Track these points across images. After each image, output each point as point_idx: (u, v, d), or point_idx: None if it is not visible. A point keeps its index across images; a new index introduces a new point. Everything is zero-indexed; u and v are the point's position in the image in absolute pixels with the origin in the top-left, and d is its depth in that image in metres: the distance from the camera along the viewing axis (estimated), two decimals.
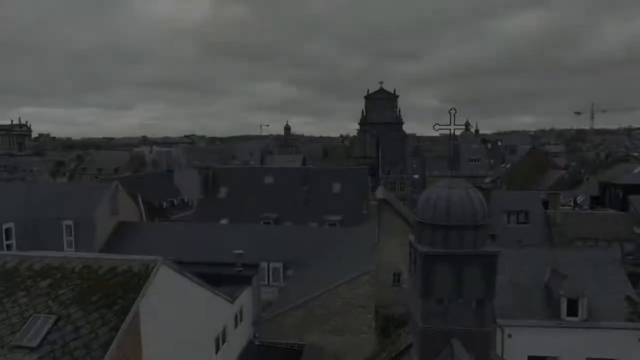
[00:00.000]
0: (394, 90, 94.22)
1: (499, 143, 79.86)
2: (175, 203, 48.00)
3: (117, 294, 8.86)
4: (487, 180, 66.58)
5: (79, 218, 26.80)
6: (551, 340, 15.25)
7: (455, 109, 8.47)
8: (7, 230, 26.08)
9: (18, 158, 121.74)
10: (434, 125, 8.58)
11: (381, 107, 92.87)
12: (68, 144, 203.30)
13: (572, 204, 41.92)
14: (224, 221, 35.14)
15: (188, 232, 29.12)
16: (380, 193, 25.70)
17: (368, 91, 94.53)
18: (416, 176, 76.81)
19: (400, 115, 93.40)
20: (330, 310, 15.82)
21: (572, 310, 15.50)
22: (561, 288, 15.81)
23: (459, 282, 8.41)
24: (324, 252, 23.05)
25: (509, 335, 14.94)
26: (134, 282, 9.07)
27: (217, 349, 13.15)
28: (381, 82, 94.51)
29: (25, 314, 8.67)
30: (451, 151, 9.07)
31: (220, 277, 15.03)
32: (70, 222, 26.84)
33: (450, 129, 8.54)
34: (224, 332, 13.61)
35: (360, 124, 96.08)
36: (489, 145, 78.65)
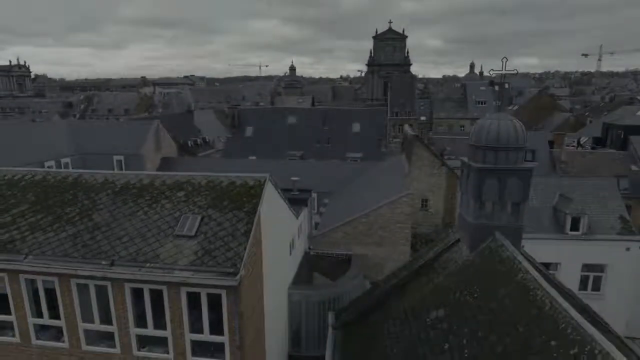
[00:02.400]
0: (403, 30, 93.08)
1: (507, 86, 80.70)
2: (198, 142, 50.37)
3: (242, 200, 11.65)
4: None
5: (129, 153, 29.41)
6: (556, 250, 18.56)
7: (506, 58, 10.74)
8: (65, 165, 28.74)
9: (21, 99, 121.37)
10: (490, 70, 10.88)
11: (389, 47, 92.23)
12: (64, 85, 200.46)
13: (575, 144, 44.52)
14: (252, 158, 37.87)
15: (227, 166, 31.85)
16: (409, 130, 28.12)
17: (376, 31, 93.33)
18: (423, 118, 78.34)
19: (408, 57, 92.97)
20: (374, 226, 18.97)
21: (575, 226, 18.71)
22: (567, 208, 18.91)
23: (502, 190, 11.18)
24: (355, 183, 25.98)
25: (522, 246, 18.14)
26: (253, 192, 11.85)
27: (290, 252, 16.35)
28: (390, 22, 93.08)
29: (175, 215, 11.49)
30: (501, 94, 11.45)
31: None
32: (121, 157, 29.48)
33: (501, 74, 10.85)
34: (293, 241, 16.74)
35: (368, 65, 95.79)
36: (496, 88, 79.59)
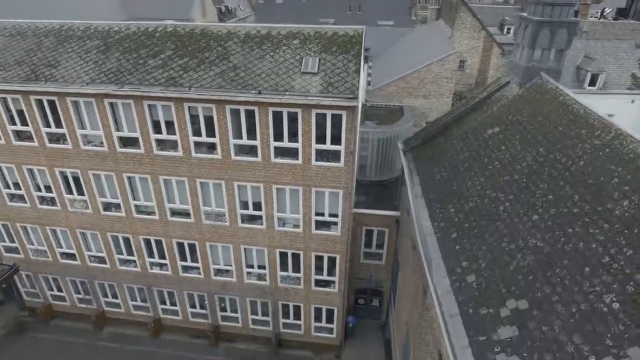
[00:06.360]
0: None
1: None
2: (223, 10, 50.31)
3: (348, 46, 14.86)
4: None
5: (180, 18, 30.95)
6: None
7: None
8: None
9: None
10: None
11: None
12: None
13: (598, 15, 45.29)
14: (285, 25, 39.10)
15: None
16: None
17: None
18: None
19: None
20: (423, 81, 22.35)
21: (593, 82, 22.19)
22: (588, 66, 22.15)
23: (552, 38, 14.34)
24: (395, 46, 28.44)
25: None
26: (354, 40, 14.99)
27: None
28: None
29: (297, 57, 14.78)
30: None
31: None
32: (171, 22, 31.02)
33: None
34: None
35: None
36: None
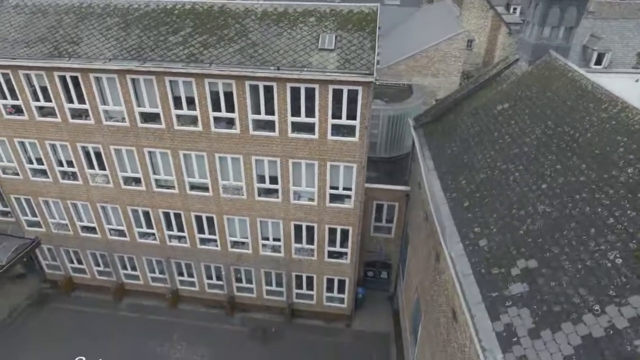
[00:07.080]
0: None
1: None
2: None
3: (363, 24, 15.29)
4: None
5: None
6: None
7: None
8: None
9: None
10: None
11: None
12: None
13: None
14: None
15: None
16: None
17: None
18: None
19: None
20: (432, 60, 22.74)
21: (599, 61, 22.60)
22: (595, 45, 22.52)
23: (561, 16, 14.77)
24: (403, 24, 28.66)
25: None
26: (369, 17, 15.41)
27: None
28: None
29: (314, 34, 15.22)
30: None
31: None
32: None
33: None
34: None
35: None
36: None
